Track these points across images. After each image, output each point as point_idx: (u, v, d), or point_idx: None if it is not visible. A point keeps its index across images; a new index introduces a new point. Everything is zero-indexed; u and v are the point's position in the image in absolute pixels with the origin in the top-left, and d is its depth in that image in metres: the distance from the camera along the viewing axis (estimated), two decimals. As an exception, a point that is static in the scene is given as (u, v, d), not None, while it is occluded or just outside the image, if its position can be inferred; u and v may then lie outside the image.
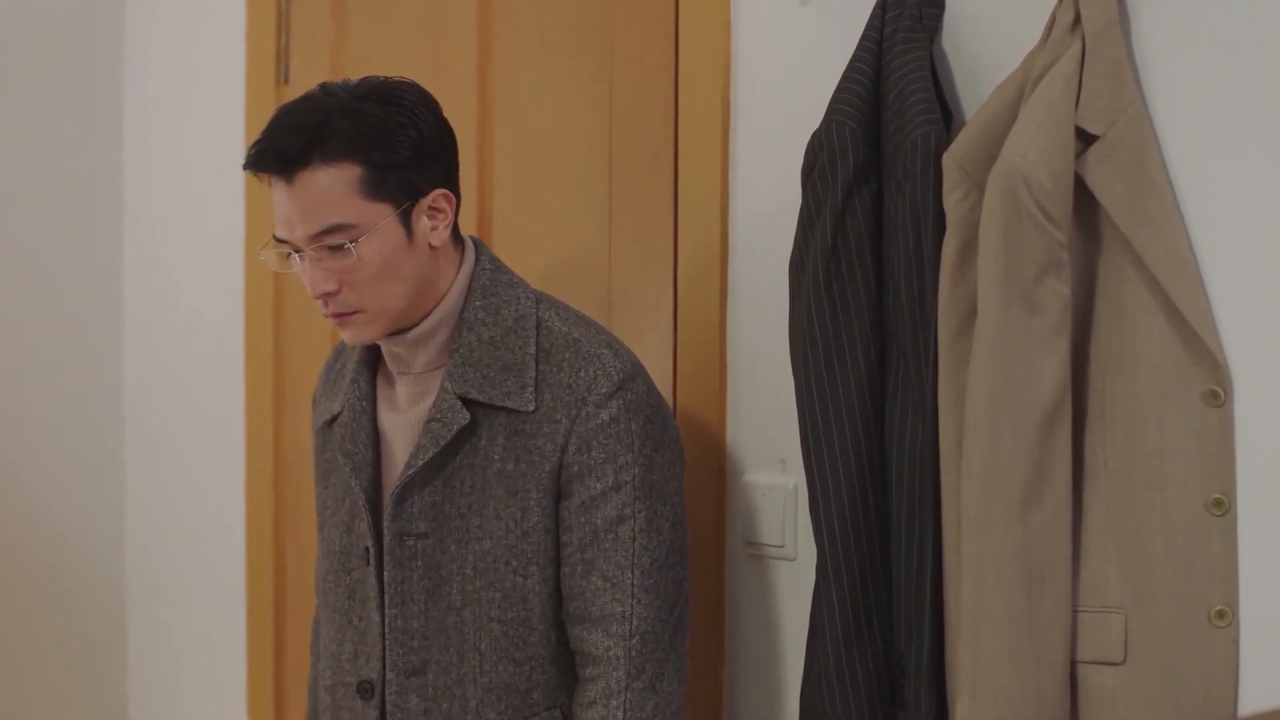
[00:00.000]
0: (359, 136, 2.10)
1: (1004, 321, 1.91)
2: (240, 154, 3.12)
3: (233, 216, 3.29)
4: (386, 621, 2.20)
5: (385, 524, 2.20)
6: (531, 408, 2.16)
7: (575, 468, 2.15)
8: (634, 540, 2.15)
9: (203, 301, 3.38)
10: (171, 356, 3.46)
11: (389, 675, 2.21)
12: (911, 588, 2.08)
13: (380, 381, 2.29)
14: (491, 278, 2.23)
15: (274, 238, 2.16)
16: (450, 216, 2.19)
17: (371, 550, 2.22)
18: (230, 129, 3.28)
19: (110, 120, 3.52)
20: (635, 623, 2.14)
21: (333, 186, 2.10)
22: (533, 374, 2.16)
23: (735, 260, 2.44)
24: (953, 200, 1.99)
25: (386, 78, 2.18)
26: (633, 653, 2.14)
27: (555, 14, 2.70)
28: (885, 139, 2.11)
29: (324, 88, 2.17)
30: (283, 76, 3.18)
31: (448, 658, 2.19)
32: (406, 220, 2.15)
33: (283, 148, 2.11)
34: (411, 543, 2.19)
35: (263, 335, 3.23)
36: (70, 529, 3.49)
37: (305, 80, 3.02)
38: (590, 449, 2.15)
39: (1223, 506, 1.89)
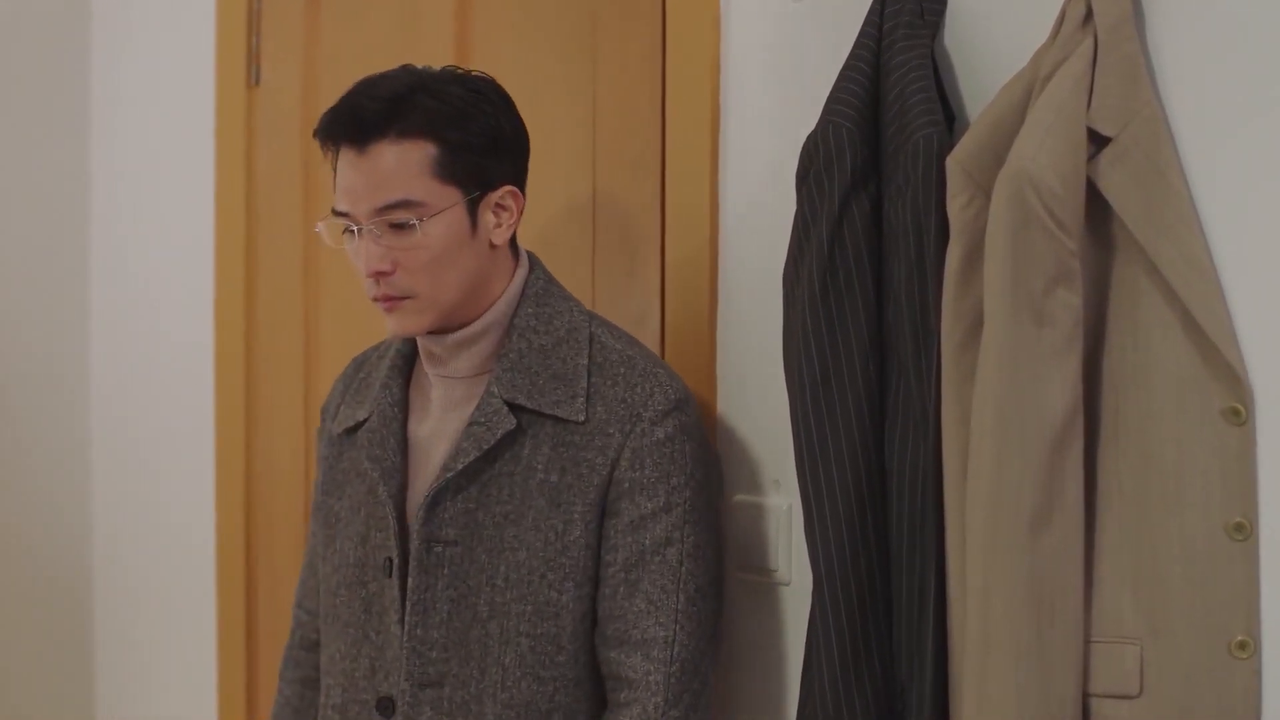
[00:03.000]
0: (439, 114, 2.12)
1: (1012, 334, 1.86)
2: (210, 158, 3.25)
3: (202, 223, 3.29)
4: (406, 631, 2.18)
5: (415, 530, 2.17)
6: (582, 418, 2.16)
7: (626, 484, 2.16)
8: (681, 565, 2.16)
9: (172, 310, 3.38)
10: (139, 366, 3.46)
11: (403, 686, 2.18)
12: (913, 616, 2.03)
13: (412, 389, 2.29)
14: (545, 288, 2.25)
15: (333, 211, 2.17)
16: (515, 216, 2.21)
17: (395, 560, 2.19)
18: (200, 132, 3.28)
19: (77, 123, 3.53)
20: (677, 649, 2.14)
21: (405, 161, 2.11)
22: (584, 385, 2.17)
23: (725, 269, 2.40)
24: (957, 206, 1.94)
25: (468, 69, 2.20)
26: (672, 679, 2.14)
27: (536, 10, 2.68)
28: (885, 141, 2.07)
29: (407, 67, 2.20)
30: (254, 78, 3.19)
31: (467, 671, 2.17)
32: (473, 210, 2.16)
33: (361, 115, 2.12)
34: (439, 550, 2.17)
35: (234, 343, 3.23)
36: (36, 543, 3.48)
37: (277, 82, 3.14)
38: (644, 466, 2.16)
39: (1244, 531, 1.83)
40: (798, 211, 2.11)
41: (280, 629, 3.08)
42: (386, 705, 2.19)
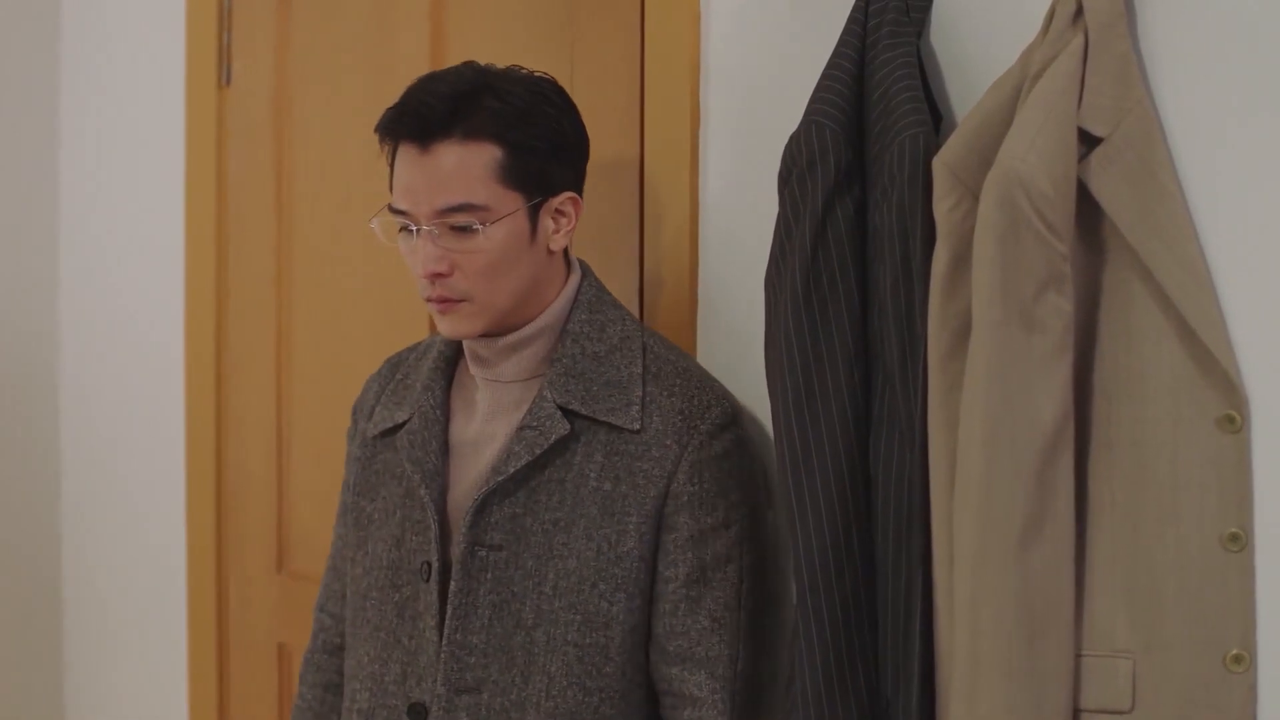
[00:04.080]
0: (504, 117, 2.11)
1: (1001, 341, 1.84)
2: (180, 159, 3.23)
3: (172, 224, 3.26)
4: (445, 635, 2.16)
5: (461, 533, 2.16)
6: (637, 427, 2.15)
7: (685, 497, 2.15)
8: (742, 582, 2.17)
9: (142, 313, 3.37)
10: (109, 370, 3.44)
11: (439, 691, 2.16)
12: (899, 629, 2.01)
13: (455, 392, 2.28)
14: (597, 296, 2.25)
15: (390, 208, 2.15)
16: (573, 223, 2.21)
17: (434, 565, 2.18)
18: (170, 132, 3.26)
19: (45, 122, 3.51)
20: (741, 666, 2.15)
21: (469, 164, 2.10)
22: (639, 393, 2.17)
23: (706, 274, 2.38)
24: (944, 208, 1.92)
25: (531, 70, 2.19)
26: (737, 698, 2.14)
27: (512, 9, 2.66)
28: (869, 142, 2.05)
29: (470, 65, 2.19)
30: (224, 77, 3.17)
31: (509, 678, 2.15)
32: (534, 216, 2.15)
33: (426, 113, 2.11)
34: (484, 554, 2.15)
35: (204, 348, 3.21)
36: (3, 552, 3.46)
37: (248, 81, 3.12)
38: (703, 480, 2.15)
39: (1240, 541, 1.81)
40: (780, 214, 2.09)
41: (251, 638, 3.13)
42: (419, 711, 2.17)
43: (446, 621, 2.14)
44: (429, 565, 2.17)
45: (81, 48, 3.47)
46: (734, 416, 2.19)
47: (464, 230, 2.10)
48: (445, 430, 2.24)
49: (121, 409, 3.41)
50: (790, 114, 2.11)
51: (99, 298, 3.46)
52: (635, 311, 2.46)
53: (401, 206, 2.13)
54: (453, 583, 2.15)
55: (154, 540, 3.32)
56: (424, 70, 2.67)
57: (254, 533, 3.13)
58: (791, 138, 2.07)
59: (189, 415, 3.23)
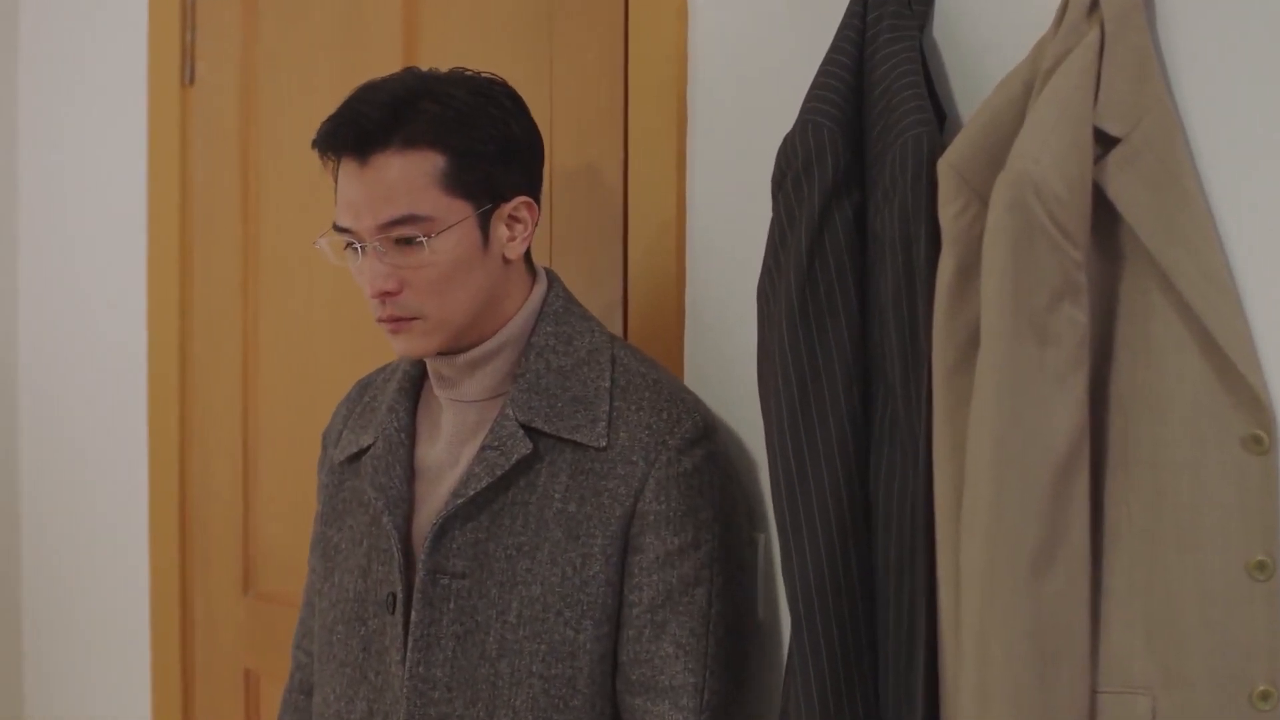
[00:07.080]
0: (445, 123, 2.08)
1: (1012, 354, 1.79)
2: (143, 160, 3.21)
3: (135, 228, 3.28)
4: (408, 669, 2.12)
5: (422, 560, 2.12)
6: (603, 444, 2.11)
7: (651, 517, 2.10)
8: (710, 606, 2.12)
9: (103, 320, 3.38)
10: (70, 381, 3.46)
11: None
12: (901, 662, 1.96)
13: (421, 413, 2.24)
14: (565, 307, 2.21)
15: (335, 227, 2.12)
16: (530, 229, 2.16)
17: (399, 595, 2.13)
18: (132, 133, 3.27)
19: (4, 122, 3.51)
20: (708, 696, 2.10)
21: (410, 174, 2.07)
22: (606, 409, 2.13)
23: (694, 284, 2.36)
24: (950, 213, 1.87)
25: (478, 71, 2.16)
26: None
27: (490, 4, 2.65)
28: (870, 142, 2.02)
29: (411, 70, 2.17)
30: (188, 76, 3.17)
31: (474, 713, 2.11)
32: (485, 224, 2.12)
33: (362, 124, 2.07)
34: (446, 582, 2.11)
35: (168, 357, 3.23)
36: None
37: (212, 82, 3.11)
38: (669, 498, 2.10)
39: (1267, 570, 1.75)
40: (774, 220, 2.06)
41: (217, 662, 3.14)
42: None
43: (408, 654, 2.10)
44: (394, 596, 2.13)
45: (41, 45, 3.47)
46: (706, 430, 2.14)
47: (410, 244, 2.06)
48: (410, 454, 2.20)
49: (83, 421, 3.41)
50: (784, 113, 2.08)
51: (60, 305, 3.46)
52: (619, 323, 2.43)
53: (344, 224, 2.10)
54: (414, 613, 2.11)
55: (116, 560, 3.31)
56: (397, 67, 2.68)
57: (220, 552, 3.12)
58: (786, 138, 2.04)
59: (152, 427, 3.22)
